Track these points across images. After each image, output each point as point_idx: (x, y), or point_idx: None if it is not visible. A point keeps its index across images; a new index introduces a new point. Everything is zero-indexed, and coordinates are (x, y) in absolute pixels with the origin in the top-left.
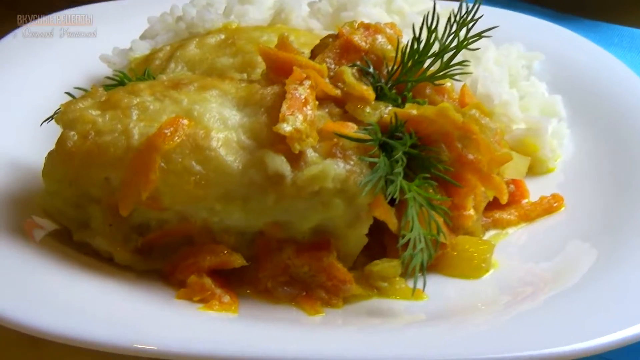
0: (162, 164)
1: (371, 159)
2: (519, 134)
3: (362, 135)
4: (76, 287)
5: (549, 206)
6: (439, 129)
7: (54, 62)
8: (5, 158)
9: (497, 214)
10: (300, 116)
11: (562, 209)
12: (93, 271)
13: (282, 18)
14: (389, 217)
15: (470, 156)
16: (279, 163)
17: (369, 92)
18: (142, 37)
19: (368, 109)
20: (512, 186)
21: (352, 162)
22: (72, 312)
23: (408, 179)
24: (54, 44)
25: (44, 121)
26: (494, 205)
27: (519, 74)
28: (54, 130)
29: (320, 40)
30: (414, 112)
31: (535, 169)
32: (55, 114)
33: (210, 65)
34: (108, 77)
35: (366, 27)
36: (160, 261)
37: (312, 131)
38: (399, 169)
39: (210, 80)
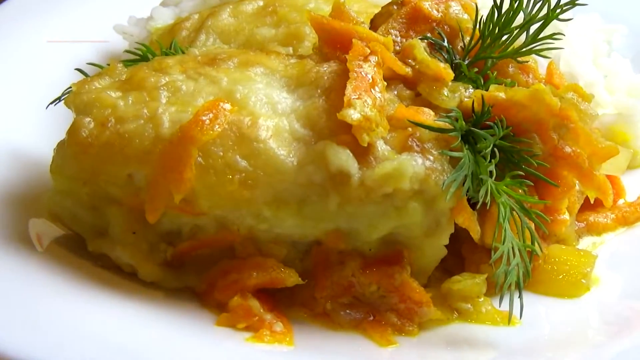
0: (200, 159)
1: (455, 154)
2: (608, 121)
3: (442, 124)
4: (89, 312)
5: None
6: (531, 116)
7: (60, 33)
8: (4, 148)
9: (592, 217)
10: (369, 100)
11: None
12: (111, 290)
13: None
14: (472, 224)
15: (568, 149)
16: (345, 158)
17: (446, 70)
18: (164, 4)
19: (445, 92)
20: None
21: (432, 158)
22: (83, 344)
23: (495, 178)
24: (59, 11)
25: (51, 103)
26: (583, 206)
27: (598, 50)
28: (64, 115)
29: (382, 7)
30: (502, 95)
31: None
32: (64, 94)
33: (248, 37)
34: (127, 51)
35: None
36: (195, 277)
37: (382, 119)
38: (490, 166)
39: (252, 55)
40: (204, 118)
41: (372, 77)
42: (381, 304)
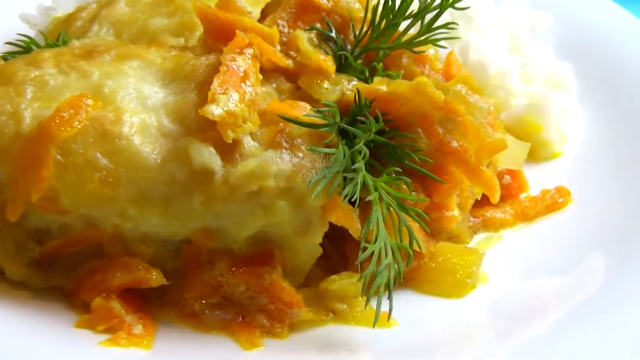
0: (58, 157)
1: (325, 150)
2: (519, 111)
3: (315, 119)
4: None
5: (552, 202)
6: (415, 109)
7: None
8: None
9: (489, 213)
10: (235, 95)
11: (569, 204)
12: None
13: None
14: (349, 222)
15: (455, 144)
16: (207, 156)
17: (327, 63)
18: None
19: (326, 85)
20: (507, 177)
21: (300, 154)
22: None
23: (375, 173)
24: None
25: None
26: (484, 201)
27: (521, 37)
28: None
29: None
30: (384, 88)
31: (537, 154)
32: None
33: (141, 27)
34: (8, 42)
35: None
36: (63, 276)
37: (252, 114)
38: (360, 162)
39: (132, 48)
40: (63, 114)
41: (244, 70)
42: (251, 305)
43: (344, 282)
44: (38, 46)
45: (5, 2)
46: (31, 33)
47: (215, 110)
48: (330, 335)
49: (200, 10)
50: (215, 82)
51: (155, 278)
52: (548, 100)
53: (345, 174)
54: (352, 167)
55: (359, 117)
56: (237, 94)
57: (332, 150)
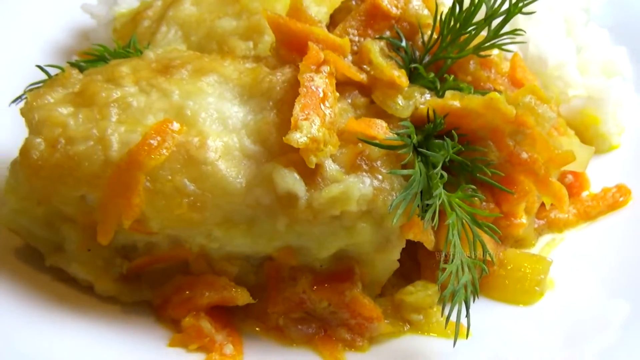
0: (148, 184)
1: (404, 172)
2: (577, 105)
3: (393, 141)
4: (43, 330)
5: (614, 201)
6: (486, 123)
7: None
8: None
9: (552, 214)
10: (317, 120)
11: (629, 202)
12: (68, 305)
13: None
14: (424, 237)
15: (524, 155)
16: (291, 182)
17: (400, 78)
18: None
19: (400, 101)
20: (570, 176)
21: (380, 177)
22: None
23: (449, 187)
24: None
25: (13, 102)
26: None
27: (575, 20)
28: None
29: (342, 2)
30: (457, 104)
31: (595, 146)
32: (24, 94)
33: (209, 29)
34: (85, 52)
35: None
36: (150, 291)
37: (332, 135)
38: (438, 188)
39: (207, 61)
40: (151, 141)
41: (322, 90)
42: (332, 319)
43: (419, 295)
44: (112, 55)
45: None
46: (93, 23)
47: (299, 139)
48: (408, 346)
49: (272, 20)
50: (297, 107)
51: (242, 297)
52: (606, 93)
53: (425, 202)
54: (433, 194)
55: (434, 133)
56: (318, 119)
57: (410, 171)
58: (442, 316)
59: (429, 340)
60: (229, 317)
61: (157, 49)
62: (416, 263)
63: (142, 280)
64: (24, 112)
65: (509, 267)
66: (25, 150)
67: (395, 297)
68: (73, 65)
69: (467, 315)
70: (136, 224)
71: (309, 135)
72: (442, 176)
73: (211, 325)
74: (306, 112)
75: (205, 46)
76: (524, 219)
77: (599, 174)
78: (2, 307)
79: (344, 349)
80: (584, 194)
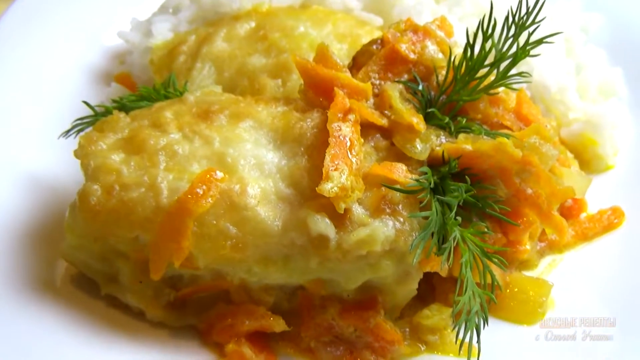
0: (195, 228)
1: (422, 214)
2: (577, 129)
3: (413, 187)
4: (99, 352)
5: (609, 223)
6: (496, 164)
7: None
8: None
9: (553, 236)
10: (345, 169)
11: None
12: (121, 330)
13: None
14: (439, 267)
15: (529, 191)
16: (323, 227)
17: (419, 125)
18: (162, 9)
19: (419, 145)
20: (569, 200)
21: (401, 219)
22: None
23: (462, 221)
24: (61, 14)
25: (62, 135)
26: None
27: (574, 40)
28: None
29: (363, 46)
30: (469, 147)
31: (591, 167)
32: (72, 129)
33: (240, 65)
34: (121, 76)
35: (414, 29)
36: (195, 317)
37: (358, 181)
38: (454, 231)
39: (243, 106)
40: (198, 190)
41: (349, 139)
42: (358, 342)
43: (435, 319)
44: (156, 96)
45: (99, 16)
46: (127, 47)
47: (330, 189)
48: None
49: (300, 65)
50: (327, 158)
51: (278, 325)
52: (603, 118)
53: (442, 245)
54: (448, 238)
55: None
56: (346, 168)
57: (428, 213)
58: (456, 341)
59: (443, 359)
60: (266, 340)
61: (196, 91)
62: (431, 286)
63: (187, 307)
64: (78, 156)
65: (515, 290)
66: (83, 196)
67: (414, 320)
68: (117, 102)
69: (478, 341)
70: (184, 262)
71: (339, 185)
72: (456, 218)
73: (251, 351)
74: (336, 163)
75: (238, 82)
76: (527, 246)
77: (596, 194)
78: (62, 330)
79: None
80: (582, 215)
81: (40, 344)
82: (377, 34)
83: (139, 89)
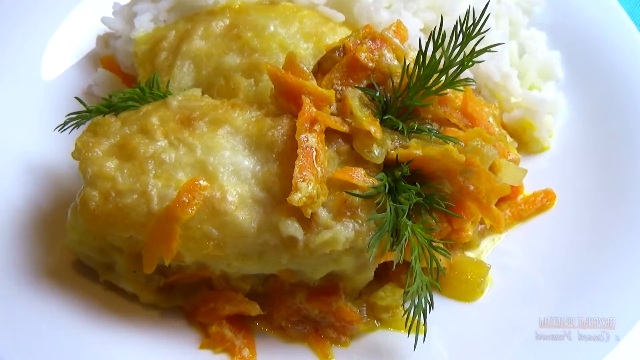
0: (182, 232)
1: (378, 216)
2: (517, 115)
3: (371, 192)
4: (96, 330)
5: (541, 205)
6: (442, 166)
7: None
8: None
9: None
10: (312, 179)
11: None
12: (116, 311)
13: None
14: (393, 258)
15: (471, 187)
16: (292, 230)
17: (376, 133)
18: None
19: (375, 150)
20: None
21: (360, 221)
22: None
23: (413, 215)
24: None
25: (56, 128)
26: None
27: (519, 22)
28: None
29: (327, 52)
30: (419, 152)
31: (529, 148)
32: (67, 122)
33: (216, 64)
34: (106, 59)
35: (372, 37)
36: (182, 299)
37: (323, 187)
38: (404, 234)
39: (221, 112)
40: (184, 199)
41: (315, 149)
42: (322, 322)
43: (389, 300)
44: (141, 98)
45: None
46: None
47: (299, 199)
48: (380, 339)
49: (271, 73)
50: (296, 170)
51: (254, 309)
52: (541, 106)
53: (395, 241)
54: (402, 227)
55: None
56: (313, 177)
57: (382, 215)
58: (406, 324)
59: (395, 334)
60: (244, 321)
61: (178, 95)
62: (385, 266)
63: (175, 291)
64: (76, 157)
65: (457, 272)
66: (84, 201)
67: (370, 300)
68: (106, 101)
69: (425, 320)
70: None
71: (306, 195)
72: (406, 215)
73: (231, 332)
74: (304, 174)
75: (215, 81)
76: (470, 232)
77: (532, 174)
78: (65, 311)
79: (330, 345)
80: (519, 197)
81: (44, 324)
82: (340, 31)
83: (126, 92)
